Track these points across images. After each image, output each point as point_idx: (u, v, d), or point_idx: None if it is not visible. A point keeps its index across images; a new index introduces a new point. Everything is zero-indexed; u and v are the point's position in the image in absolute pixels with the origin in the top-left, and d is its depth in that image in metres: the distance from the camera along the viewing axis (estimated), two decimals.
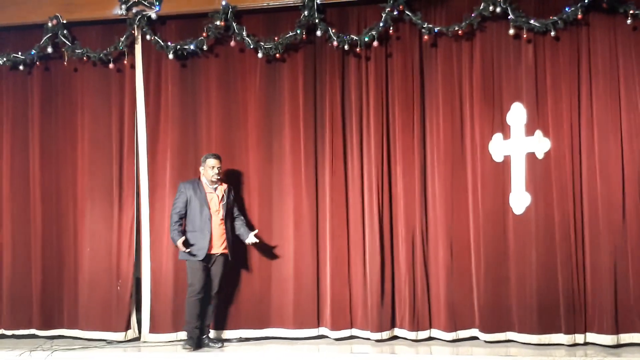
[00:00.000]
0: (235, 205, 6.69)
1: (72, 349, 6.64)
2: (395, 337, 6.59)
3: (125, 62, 7.03)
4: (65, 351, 6.57)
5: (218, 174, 6.53)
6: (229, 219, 6.59)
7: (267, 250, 6.80)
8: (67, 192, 7.18)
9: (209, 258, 6.47)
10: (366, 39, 6.56)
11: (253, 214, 6.86)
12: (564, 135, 6.30)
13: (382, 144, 6.67)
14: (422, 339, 6.48)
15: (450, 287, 6.43)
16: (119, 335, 6.90)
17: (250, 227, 6.68)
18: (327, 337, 6.69)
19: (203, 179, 6.59)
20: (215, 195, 6.55)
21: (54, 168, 7.23)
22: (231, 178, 6.86)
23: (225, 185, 6.64)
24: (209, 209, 6.48)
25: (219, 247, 6.51)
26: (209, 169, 6.52)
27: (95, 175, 7.09)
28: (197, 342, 6.48)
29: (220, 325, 6.83)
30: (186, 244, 6.38)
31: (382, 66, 6.72)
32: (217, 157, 6.57)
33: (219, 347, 6.52)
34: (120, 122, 7.10)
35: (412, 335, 6.48)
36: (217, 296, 6.59)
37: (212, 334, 6.71)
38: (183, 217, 6.52)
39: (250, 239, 6.54)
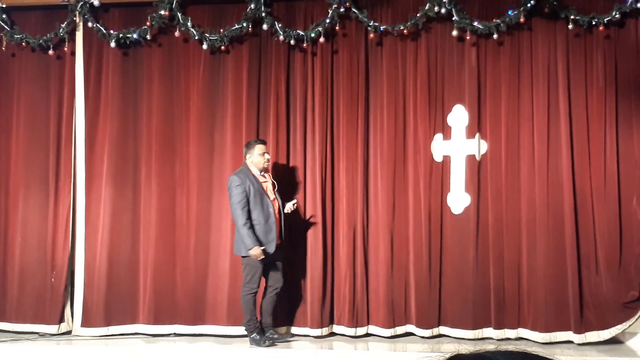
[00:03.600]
0: None
1: (1, 341, 6.44)
2: (333, 334, 6.58)
3: (66, 49, 6.87)
4: None
5: (268, 160, 6.26)
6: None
7: (204, 244, 6.71)
8: None
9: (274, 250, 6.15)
10: (312, 35, 6.54)
11: (191, 206, 6.75)
12: (501, 138, 6.40)
13: (325, 139, 6.66)
14: (360, 335, 6.49)
15: (390, 284, 6.47)
16: (52, 328, 6.72)
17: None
18: None
19: (252, 168, 6.21)
20: (270, 183, 6.27)
21: None
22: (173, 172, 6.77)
23: (269, 172, 6.40)
24: (268, 197, 6.21)
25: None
26: (258, 156, 6.15)
27: (31, 164, 6.90)
28: (261, 339, 6.20)
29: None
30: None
31: (328, 62, 6.71)
32: (263, 142, 6.28)
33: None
34: (58, 111, 6.92)
35: (350, 331, 6.48)
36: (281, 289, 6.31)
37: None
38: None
39: (288, 207, 6.25)
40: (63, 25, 6.78)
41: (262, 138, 6.57)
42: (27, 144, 6.92)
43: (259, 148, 6.20)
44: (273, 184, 6.30)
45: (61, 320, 6.78)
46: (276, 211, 6.24)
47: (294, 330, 6.62)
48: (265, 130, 6.71)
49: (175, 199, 6.76)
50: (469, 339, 6.28)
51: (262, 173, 6.25)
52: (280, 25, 6.58)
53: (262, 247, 6.02)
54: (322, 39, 6.54)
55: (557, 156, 6.33)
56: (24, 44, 6.87)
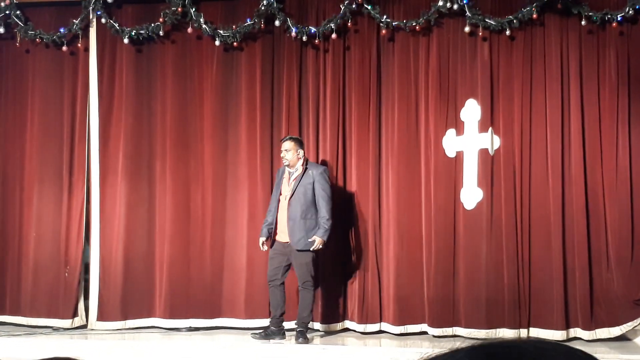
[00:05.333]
0: (315, 194, 6.22)
1: (16, 335, 6.52)
2: (345, 330, 6.61)
3: (79, 45, 6.91)
4: (9, 337, 6.44)
5: (283, 157, 6.28)
6: (299, 205, 6.22)
7: (220, 239, 6.76)
8: (14, 176, 7.03)
9: (277, 245, 6.28)
10: (325, 31, 6.55)
11: (206, 202, 6.80)
12: (514, 133, 6.40)
13: (337, 135, 6.69)
14: (372, 332, 6.51)
15: (401, 280, 6.47)
16: (66, 323, 6.80)
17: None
18: None
19: None
20: (287, 179, 6.33)
21: (1, 151, 7.07)
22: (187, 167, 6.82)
23: (303, 169, 6.28)
24: (280, 193, 6.32)
25: (284, 233, 6.26)
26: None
27: (45, 159, 6.96)
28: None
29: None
30: None
31: (340, 58, 6.73)
32: (282, 140, 6.40)
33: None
34: (72, 107, 6.97)
35: (361, 327, 6.51)
36: None
37: None
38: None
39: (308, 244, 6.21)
40: (76, 22, 6.82)
41: (275, 134, 6.72)
42: (41, 139, 6.98)
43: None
44: (291, 181, 6.27)
45: (74, 314, 6.85)
46: (282, 208, 6.26)
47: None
48: (279, 126, 6.75)
49: (189, 195, 6.82)
50: (482, 339, 6.27)
51: (290, 169, 6.30)
52: (292, 21, 6.59)
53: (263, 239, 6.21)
54: (334, 35, 6.56)
55: (569, 152, 6.34)
56: (37, 40, 6.91)
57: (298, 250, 6.17)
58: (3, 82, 7.11)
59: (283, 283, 6.29)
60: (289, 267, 6.29)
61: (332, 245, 6.54)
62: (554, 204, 6.29)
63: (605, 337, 6.15)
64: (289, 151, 6.25)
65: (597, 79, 6.32)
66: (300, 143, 6.32)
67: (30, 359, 5.56)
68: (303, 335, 6.17)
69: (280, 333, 6.27)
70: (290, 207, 6.21)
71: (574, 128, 6.32)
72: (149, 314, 6.79)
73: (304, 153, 6.32)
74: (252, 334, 6.31)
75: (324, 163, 6.64)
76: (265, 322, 6.58)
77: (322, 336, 6.50)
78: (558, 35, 6.38)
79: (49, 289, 6.84)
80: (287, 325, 6.36)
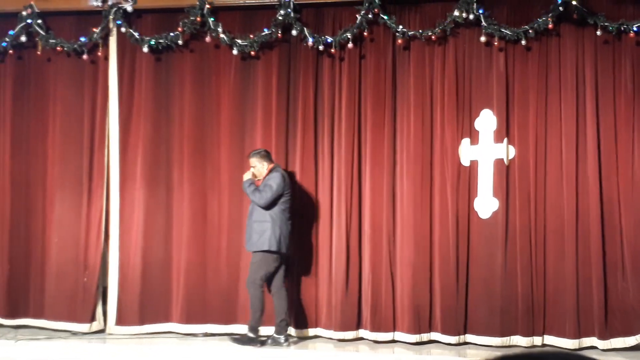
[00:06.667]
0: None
1: (36, 339, 6.62)
2: (360, 338, 6.63)
3: (100, 53, 7.02)
4: (29, 341, 6.56)
5: (253, 172, 6.51)
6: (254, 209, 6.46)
7: (236, 245, 6.82)
8: (36, 182, 7.16)
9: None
10: (341, 40, 6.61)
11: (223, 208, 6.88)
12: (529, 143, 6.42)
13: (353, 143, 6.73)
14: (385, 341, 6.53)
15: (415, 289, 6.50)
16: (84, 327, 6.90)
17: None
18: (290, 336, 6.67)
19: None
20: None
21: (24, 157, 7.20)
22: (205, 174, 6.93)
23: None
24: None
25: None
26: None
27: (66, 165, 7.08)
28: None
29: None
30: None
31: (356, 67, 6.78)
32: (248, 157, 6.61)
33: None
34: (92, 114, 7.08)
35: (375, 336, 6.53)
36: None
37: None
38: None
39: None
40: (97, 31, 6.93)
41: (290, 142, 6.79)
42: (62, 146, 7.10)
43: None
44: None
45: (93, 318, 6.95)
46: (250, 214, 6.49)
47: (319, 332, 6.70)
48: (294, 134, 6.82)
49: (207, 201, 6.90)
50: (496, 347, 6.32)
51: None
52: (309, 30, 6.66)
53: None
54: (350, 44, 6.61)
55: (585, 162, 6.34)
56: (59, 48, 7.02)
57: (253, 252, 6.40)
58: (26, 90, 7.24)
59: (270, 290, 6.46)
60: (274, 273, 6.42)
61: (344, 252, 6.58)
62: (568, 214, 6.30)
63: (621, 346, 6.15)
64: (255, 167, 6.47)
65: (612, 89, 6.33)
66: (263, 156, 6.49)
67: None
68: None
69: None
70: (249, 212, 6.46)
71: (589, 138, 6.33)
72: (166, 319, 6.88)
73: (269, 164, 6.47)
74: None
75: (339, 170, 6.69)
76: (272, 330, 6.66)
77: (335, 344, 6.52)
78: (574, 45, 6.40)
79: (69, 293, 6.95)
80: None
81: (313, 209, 6.79)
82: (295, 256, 6.72)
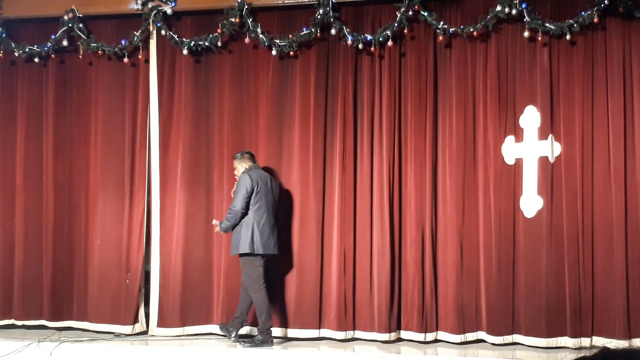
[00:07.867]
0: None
1: (79, 341, 6.66)
2: (400, 339, 6.54)
3: (140, 56, 7.06)
4: (73, 343, 6.59)
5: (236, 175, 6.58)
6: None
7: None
8: (79, 184, 7.23)
9: None
10: (381, 39, 6.54)
11: None
12: (575, 140, 6.27)
13: (393, 142, 6.65)
14: (429, 341, 6.44)
15: (459, 289, 6.40)
16: (127, 329, 6.93)
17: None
18: (330, 338, 6.60)
19: None
20: None
21: (67, 160, 7.28)
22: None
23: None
24: None
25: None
26: None
27: (108, 168, 7.14)
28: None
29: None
30: None
31: (396, 65, 6.70)
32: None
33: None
34: (133, 117, 7.13)
35: (419, 337, 6.43)
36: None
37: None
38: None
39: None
40: (137, 34, 6.97)
41: (329, 141, 6.73)
42: (104, 149, 7.16)
43: None
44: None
45: (135, 320, 6.98)
46: None
47: (361, 334, 6.60)
48: (333, 134, 6.76)
49: None
50: (543, 347, 6.17)
51: None
52: (348, 30, 6.60)
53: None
54: (390, 42, 6.54)
55: (633, 157, 6.18)
56: (100, 52, 7.08)
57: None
58: (68, 94, 7.32)
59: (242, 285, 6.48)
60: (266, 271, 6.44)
61: (387, 253, 6.50)
62: (616, 212, 6.14)
63: None
64: (236, 168, 6.53)
65: None
66: (242, 158, 6.51)
67: None
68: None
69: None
70: None
71: (637, 133, 6.16)
72: (207, 321, 6.87)
73: (248, 166, 6.47)
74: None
75: (379, 170, 6.61)
76: (315, 332, 6.62)
77: (378, 346, 6.44)
78: (620, 39, 6.24)
79: (111, 295, 7.00)
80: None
81: (352, 209, 6.70)
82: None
